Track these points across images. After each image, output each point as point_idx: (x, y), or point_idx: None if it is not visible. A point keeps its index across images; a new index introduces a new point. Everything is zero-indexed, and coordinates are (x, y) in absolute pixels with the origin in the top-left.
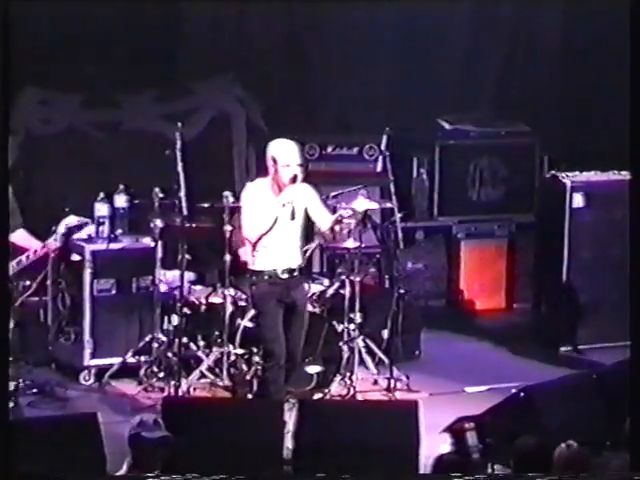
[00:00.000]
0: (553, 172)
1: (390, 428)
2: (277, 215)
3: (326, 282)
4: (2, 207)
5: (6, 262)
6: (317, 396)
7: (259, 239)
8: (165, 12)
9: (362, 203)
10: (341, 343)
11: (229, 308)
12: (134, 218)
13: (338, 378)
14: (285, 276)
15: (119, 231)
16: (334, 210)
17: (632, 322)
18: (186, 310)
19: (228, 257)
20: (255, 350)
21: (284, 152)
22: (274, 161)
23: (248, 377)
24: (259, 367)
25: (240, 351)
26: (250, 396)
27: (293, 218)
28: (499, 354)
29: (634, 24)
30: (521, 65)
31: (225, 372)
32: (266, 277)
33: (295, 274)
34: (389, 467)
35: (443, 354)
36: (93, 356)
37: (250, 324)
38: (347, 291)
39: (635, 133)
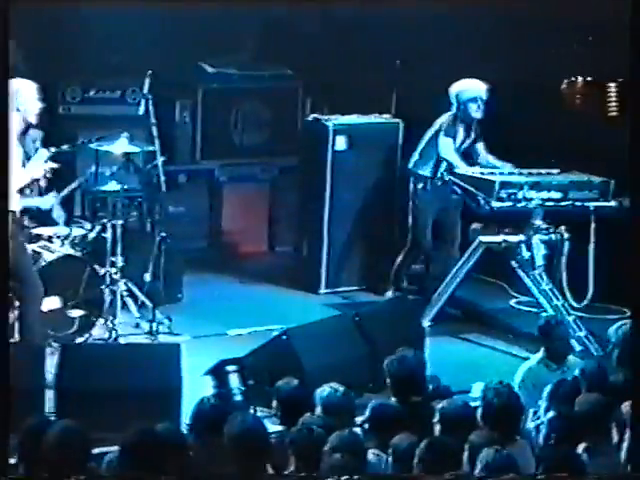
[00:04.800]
0: (315, 115)
1: (153, 372)
2: None
3: (88, 226)
4: (2, 207)
5: (6, 263)
6: (79, 340)
7: None
8: None
9: (124, 146)
10: (103, 287)
11: None
12: None
13: (100, 322)
14: None
15: None
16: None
17: (634, 319)
18: None
19: None
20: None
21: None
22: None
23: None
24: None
25: None
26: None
27: None
28: (261, 297)
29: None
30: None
31: None
32: None
33: None
34: (152, 412)
35: (205, 297)
36: None
37: None
38: (109, 235)
39: (635, 145)
